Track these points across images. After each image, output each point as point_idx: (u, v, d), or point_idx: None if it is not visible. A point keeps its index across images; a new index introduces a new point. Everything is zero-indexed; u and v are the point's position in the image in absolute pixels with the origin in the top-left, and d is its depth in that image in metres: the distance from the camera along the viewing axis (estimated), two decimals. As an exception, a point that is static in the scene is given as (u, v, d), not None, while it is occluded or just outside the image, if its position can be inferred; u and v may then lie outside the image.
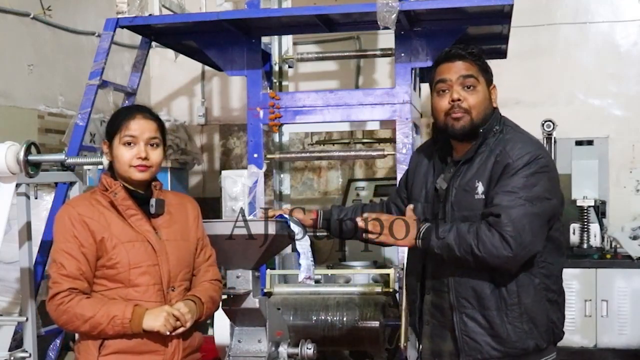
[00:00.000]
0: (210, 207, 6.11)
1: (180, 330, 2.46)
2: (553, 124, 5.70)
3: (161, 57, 7.02)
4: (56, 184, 3.99)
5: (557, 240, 2.58)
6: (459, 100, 2.53)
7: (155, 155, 2.54)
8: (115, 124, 2.54)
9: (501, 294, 2.49)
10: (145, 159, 2.50)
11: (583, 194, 5.57)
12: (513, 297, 2.49)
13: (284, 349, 2.98)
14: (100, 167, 4.12)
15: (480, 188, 2.51)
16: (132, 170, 2.50)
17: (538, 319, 2.52)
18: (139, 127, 2.51)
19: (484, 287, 2.50)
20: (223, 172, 4.66)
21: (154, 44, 4.94)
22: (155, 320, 2.40)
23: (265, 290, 4.16)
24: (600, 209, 5.73)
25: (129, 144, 2.50)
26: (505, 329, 2.49)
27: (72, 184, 3.79)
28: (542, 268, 2.53)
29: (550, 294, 2.57)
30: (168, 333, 2.42)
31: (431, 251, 2.50)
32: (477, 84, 2.56)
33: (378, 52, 5.69)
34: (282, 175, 5.30)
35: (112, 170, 2.58)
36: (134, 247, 2.47)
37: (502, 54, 5.30)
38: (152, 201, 2.55)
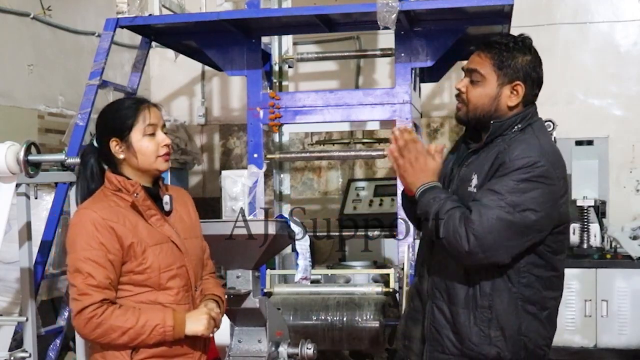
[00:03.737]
0: (210, 207, 6.11)
1: (216, 330, 2.44)
2: (553, 124, 5.68)
3: (161, 57, 7.01)
4: (56, 184, 3.99)
5: (545, 255, 2.42)
6: (458, 89, 2.54)
7: (169, 141, 2.43)
8: (128, 117, 2.37)
9: (474, 293, 2.41)
10: (169, 145, 2.40)
11: (583, 194, 5.56)
12: (485, 299, 2.40)
13: (284, 349, 2.99)
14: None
15: (475, 181, 2.44)
16: (159, 160, 2.38)
17: (508, 328, 2.40)
18: (155, 114, 2.39)
19: (455, 282, 2.43)
20: (223, 172, 4.66)
21: (154, 44, 4.94)
22: (198, 324, 2.35)
23: (265, 290, 4.16)
24: (600, 209, 5.71)
25: (152, 134, 2.37)
26: (468, 329, 2.41)
27: (72, 184, 3.78)
28: (523, 278, 2.41)
29: (529, 306, 2.42)
30: (211, 335, 2.40)
31: (418, 207, 2.42)
32: (483, 79, 2.48)
33: (378, 52, 5.70)
34: (282, 175, 5.29)
35: (113, 168, 2.41)
36: (162, 249, 2.36)
37: (502, 54, 5.29)
38: (166, 198, 2.43)
